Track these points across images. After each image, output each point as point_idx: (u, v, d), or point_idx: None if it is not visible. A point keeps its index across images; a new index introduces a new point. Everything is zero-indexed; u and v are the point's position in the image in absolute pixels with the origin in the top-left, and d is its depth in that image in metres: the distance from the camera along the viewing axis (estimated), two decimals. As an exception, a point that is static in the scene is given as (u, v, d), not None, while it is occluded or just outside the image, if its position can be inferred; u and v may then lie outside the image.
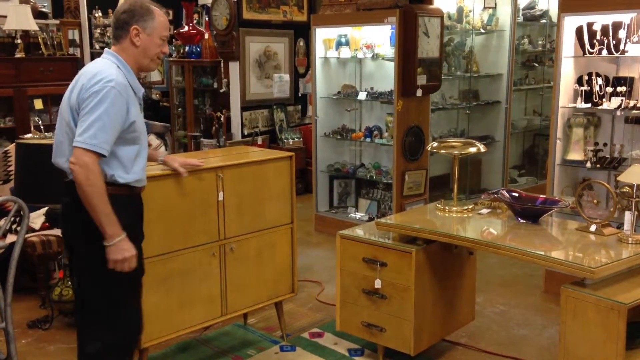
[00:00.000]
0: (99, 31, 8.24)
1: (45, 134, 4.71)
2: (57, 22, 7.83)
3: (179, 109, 7.28)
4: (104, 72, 2.21)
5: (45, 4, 7.92)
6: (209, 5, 6.83)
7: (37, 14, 7.12)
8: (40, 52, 6.39)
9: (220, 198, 2.94)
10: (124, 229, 2.26)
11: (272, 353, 3.25)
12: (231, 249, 3.02)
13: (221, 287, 3.00)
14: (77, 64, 7.06)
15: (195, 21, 7.04)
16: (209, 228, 2.92)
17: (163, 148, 5.07)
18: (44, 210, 3.84)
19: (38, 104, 6.14)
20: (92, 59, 8.12)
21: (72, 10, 8.30)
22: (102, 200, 2.16)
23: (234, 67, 6.64)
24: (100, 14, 8.19)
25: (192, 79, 6.93)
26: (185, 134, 7.12)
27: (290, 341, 3.37)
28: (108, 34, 8.23)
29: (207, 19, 6.93)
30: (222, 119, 6.58)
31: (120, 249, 2.21)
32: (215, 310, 3.00)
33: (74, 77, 2.30)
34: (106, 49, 2.35)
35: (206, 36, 6.74)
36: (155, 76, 8.18)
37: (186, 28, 6.74)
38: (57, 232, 3.70)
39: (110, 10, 8.05)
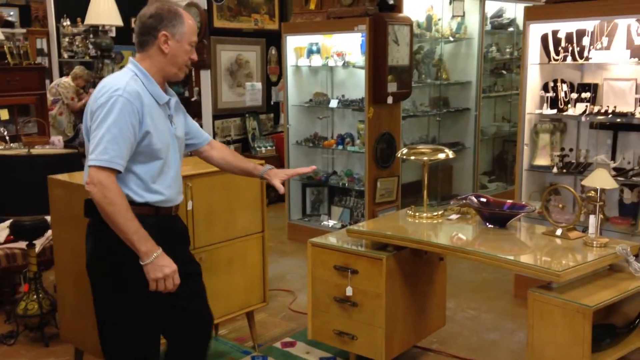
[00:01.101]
0: (67, 40, 8.15)
1: (11, 144, 4.63)
2: (24, 31, 7.72)
3: (150, 118, 7.20)
4: (113, 82, 2.07)
5: (12, 13, 7.80)
6: (180, 13, 6.79)
7: (3, 23, 7.01)
8: (6, 61, 6.28)
9: (190, 207, 2.90)
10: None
11: (243, 363, 3.22)
12: (200, 258, 2.98)
13: (191, 297, 2.96)
14: (44, 73, 6.96)
15: (165, 30, 7.00)
16: (178, 238, 2.88)
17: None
18: (7, 222, 3.76)
19: (4, 114, 6.04)
20: (61, 68, 8.06)
21: (40, 19, 8.20)
22: (126, 217, 1.99)
23: (205, 76, 6.61)
24: (68, 23, 8.10)
25: (163, 88, 6.87)
26: (157, 143, 7.05)
27: (261, 351, 3.34)
28: (77, 43, 8.14)
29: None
30: (193, 127, 6.53)
31: (159, 266, 2.03)
32: (184, 321, 2.96)
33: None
34: (130, 58, 2.20)
35: (177, 45, 6.69)
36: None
37: (156, 37, 6.69)
38: (22, 245, 3.62)
39: (79, 19, 7.96)
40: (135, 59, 2.18)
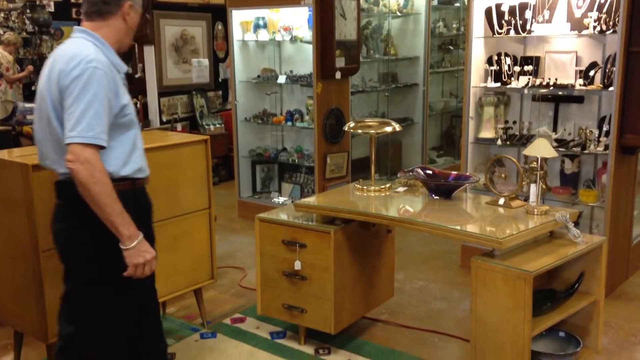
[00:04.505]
0: (2, 15, 7.75)
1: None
2: (-46, 5, 7.30)
3: (93, 96, 6.96)
4: (81, 52, 1.95)
5: (-61, -14, 7.36)
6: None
7: None
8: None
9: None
10: None
11: (192, 341, 3.17)
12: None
13: (136, 276, 2.89)
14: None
15: (107, 4, 6.75)
16: (120, 216, 2.80)
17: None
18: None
19: None
20: (-5, 44, 7.65)
21: (-28, -7, 7.75)
22: (111, 198, 1.90)
23: (149, 52, 6.38)
24: (3, -3, 7.69)
25: (105, 65, 6.65)
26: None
27: (211, 328, 3.31)
28: (13, 18, 7.76)
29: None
30: (138, 105, 6.35)
31: (141, 252, 1.97)
32: (130, 300, 2.89)
33: (45, 65, 2.01)
34: (75, 27, 2.06)
35: (119, 19, 6.47)
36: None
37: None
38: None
39: (14, -7, 7.58)
40: (84, 27, 2.05)
